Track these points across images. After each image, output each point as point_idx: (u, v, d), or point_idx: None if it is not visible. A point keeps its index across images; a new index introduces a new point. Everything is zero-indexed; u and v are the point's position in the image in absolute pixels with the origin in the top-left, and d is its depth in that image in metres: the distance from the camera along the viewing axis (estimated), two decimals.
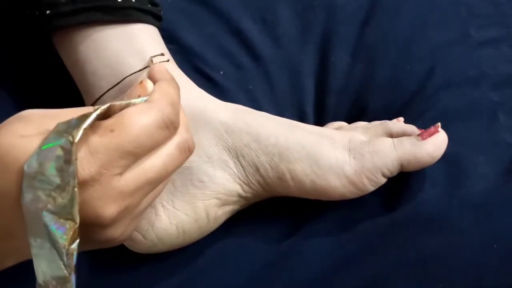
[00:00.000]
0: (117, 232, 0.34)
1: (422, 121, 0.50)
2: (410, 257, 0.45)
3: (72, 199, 0.30)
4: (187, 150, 0.37)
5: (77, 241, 0.31)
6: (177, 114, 0.36)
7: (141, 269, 0.47)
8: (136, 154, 0.33)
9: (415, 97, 0.52)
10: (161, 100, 0.35)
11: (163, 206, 0.44)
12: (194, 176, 0.44)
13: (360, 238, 0.47)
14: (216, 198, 0.45)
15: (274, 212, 0.48)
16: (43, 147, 0.30)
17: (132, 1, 0.47)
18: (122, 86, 0.45)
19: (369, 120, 0.50)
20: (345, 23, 0.56)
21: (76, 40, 0.47)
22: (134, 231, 0.37)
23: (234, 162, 0.45)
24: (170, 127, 0.35)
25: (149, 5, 0.48)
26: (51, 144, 0.30)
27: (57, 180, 0.30)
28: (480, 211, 0.46)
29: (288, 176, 0.45)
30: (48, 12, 0.46)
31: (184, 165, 0.44)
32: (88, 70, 0.46)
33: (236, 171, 0.45)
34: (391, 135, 0.47)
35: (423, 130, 0.46)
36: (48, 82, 0.54)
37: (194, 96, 0.47)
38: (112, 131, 0.32)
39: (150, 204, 0.38)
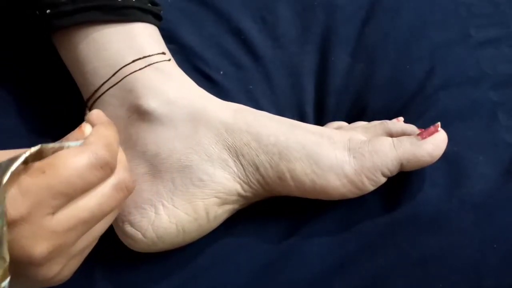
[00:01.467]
0: (51, 271, 0.35)
1: (422, 121, 0.50)
2: (410, 257, 0.45)
3: (1, 239, 0.31)
4: (125, 190, 0.38)
5: (8, 278, 0.31)
6: (113, 156, 0.36)
7: (142, 268, 0.47)
8: (68, 195, 0.34)
9: (415, 97, 0.52)
10: (96, 142, 0.36)
11: (163, 205, 0.44)
12: (194, 175, 0.44)
13: (360, 238, 0.46)
14: (216, 197, 0.45)
15: (274, 211, 0.48)
16: None
17: (133, 1, 0.47)
18: (122, 85, 0.46)
19: (369, 120, 0.50)
20: (345, 23, 0.56)
21: (76, 40, 0.47)
22: (74, 271, 0.38)
23: (234, 161, 0.45)
24: (105, 167, 0.36)
25: (149, 5, 0.48)
26: None
27: None
28: (480, 211, 0.46)
29: (288, 175, 0.45)
30: (48, 11, 0.46)
31: (184, 163, 0.44)
32: (88, 69, 0.46)
33: (236, 170, 0.45)
34: (391, 135, 0.47)
35: (423, 129, 0.46)
36: (48, 82, 0.54)
37: (194, 95, 0.47)
38: (43, 172, 0.33)
39: (91, 244, 0.38)
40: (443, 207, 0.47)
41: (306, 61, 0.55)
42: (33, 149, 0.33)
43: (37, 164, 0.33)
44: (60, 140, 0.37)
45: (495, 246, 0.45)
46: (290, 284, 0.46)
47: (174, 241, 0.45)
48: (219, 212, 0.46)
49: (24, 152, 0.33)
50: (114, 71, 0.45)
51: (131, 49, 0.46)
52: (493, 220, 0.46)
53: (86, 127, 0.38)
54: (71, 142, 0.36)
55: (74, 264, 0.37)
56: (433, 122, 0.46)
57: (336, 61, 0.55)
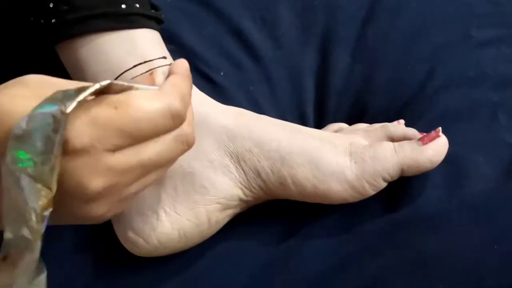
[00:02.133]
0: (100, 209, 0.34)
1: (423, 122, 0.50)
2: (410, 257, 0.45)
3: (53, 168, 0.30)
4: (185, 144, 0.37)
5: (49, 209, 0.30)
6: (185, 108, 0.35)
7: (143, 270, 0.47)
8: (134, 137, 0.33)
9: (415, 97, 0.52)
10: (172, 92, 0.35)
11: (165, 211, 0.44)
12: (196, 181, 0.44)
13: (360, 239, 0.47)
14: (217, 203, 0.45)
15: (275, 213, 0.48)
16: (34, 111, 0.30)
17: (137, 7, 0.47)
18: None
19: (370, 121, 0.50)
20: (345, 23, 0.56)
21: (77, 45, 0.46)
22: (118, 213, 0.37)
23: (236, 167, 0.45)
24: (176, 119, 0.34)
25: (152, 10, 0.48)
26: (43, 109, 0.30)
27: (41, 146, 0.29)
28: (480, 211, 0.46)
29: (289, 180, 0.45)
30: (53, 21, 0.46)
31: (186, 170, 0.44)
32: (89, 73, 0.46)
33: (237, 176, 0.45)
34: (392, 139, 0.47)
35: (424, 134, 0.46)
36: None
37: (196, 100, 0.46)
38: (116, 108, 0.32)
39: (141, 191, 0.37)
40: (443, 207, 0.46)
41: (306, 62, 0.55)
42: (103, 83, 0.32)
43: (111, 98, 0.32)
44: (131, 79, 0.36)
45: (495, 246, 0.45)
46: (290, 284, 0.46)
47: (176, 246, 0.45)
48: (221, 217, 0.46)
49: (93, 85, 0.31)
50: (115, 76, 0.45)
51: (132, 54, 0.46)
52: (493, 220, 0.46)
53: (157, 76, 0.37)
54: (141, 85, 0.34)
55: (119, 208, 0.36)
56: (433, 122, 0.46)
57: (336, 61, 0.55)
